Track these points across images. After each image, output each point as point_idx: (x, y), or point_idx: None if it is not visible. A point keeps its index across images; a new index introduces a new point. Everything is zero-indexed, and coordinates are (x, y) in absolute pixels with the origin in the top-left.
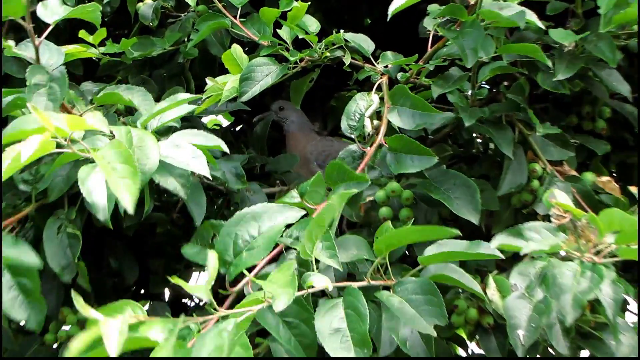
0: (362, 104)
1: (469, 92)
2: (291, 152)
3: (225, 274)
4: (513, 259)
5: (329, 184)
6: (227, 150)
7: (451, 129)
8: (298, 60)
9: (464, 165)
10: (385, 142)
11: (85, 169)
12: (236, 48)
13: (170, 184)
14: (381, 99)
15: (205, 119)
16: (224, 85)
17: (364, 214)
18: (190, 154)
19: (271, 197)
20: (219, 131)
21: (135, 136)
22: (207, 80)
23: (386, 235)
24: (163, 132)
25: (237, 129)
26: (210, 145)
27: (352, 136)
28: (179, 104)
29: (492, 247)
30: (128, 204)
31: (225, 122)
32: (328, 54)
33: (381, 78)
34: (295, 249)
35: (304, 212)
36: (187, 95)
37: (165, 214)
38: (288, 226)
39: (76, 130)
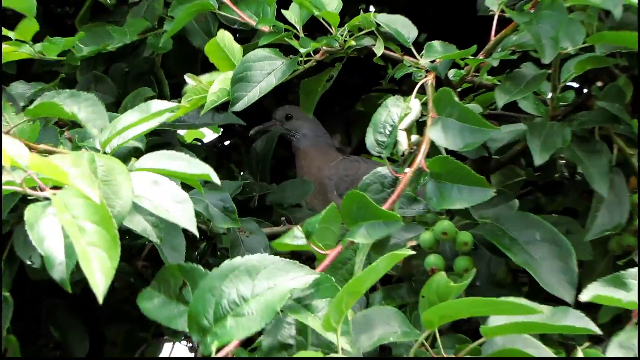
0: (396, 111)
1: (549, 96)
2: (302, 176)
3: (199, 344)
4: (611, 324)
5: (346, 221)
6: (217, 181)
7: (524, 145)
8: (311, 52)
9: (542, 196)
10: (427, 166)
11: (34, 209)
12: (225, 36)
13: (138, 224)
14: (424, 105)
15: (182, 130)
16: (210, 86)
17: (402, 263)
18: (171, 196)
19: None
20: (200, 147)
21: (101, 166)
22: (187, 78)
23: (440, 306)
24: (123, 156)
25: (227, 143)
26: (196, 174)
27: (381, 155)
28: (154, 117)
29: (585, 318)
30: (99, 287)
31: (209, 134)
32: (353, 43)
33: (426, 77)
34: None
35: (316, 276)
36: (165, 104)
37: (128, 263)
38: None
39: (35, 169)
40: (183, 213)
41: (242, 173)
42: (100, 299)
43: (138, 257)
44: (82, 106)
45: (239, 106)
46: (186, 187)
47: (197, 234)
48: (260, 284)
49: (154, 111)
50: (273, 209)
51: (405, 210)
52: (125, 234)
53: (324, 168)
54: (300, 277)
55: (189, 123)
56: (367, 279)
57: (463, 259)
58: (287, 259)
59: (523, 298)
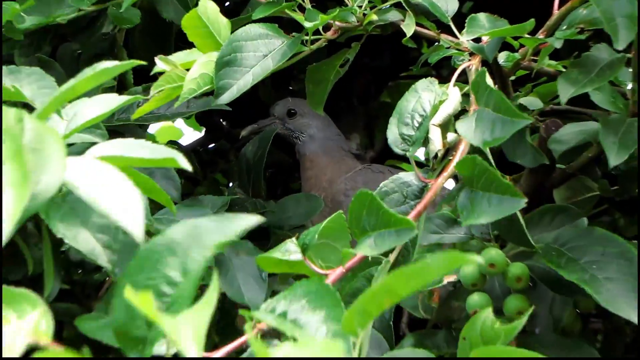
0: (428, 98)
1: (629, 87)
2: (309, 191)
3: None
4: None
5: (354, 232)
6: (187, 166)
7: (597, 150)
8: (321, 29)
9: (620, 217)
10: (455, 168)
11: None
12: (208, 6)
13: (86, 243)
14: (466, 95)
15: (153, 128)
16: (186, 71)
17: (438, 302)
18: (116, 188)
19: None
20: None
21: (29, 130)
22: (157, 61)
23: (484, 350)
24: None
25: (211, 147)
26: (157, 159)
27: (406, 154)
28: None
29: None
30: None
31: (188, 134)
32: (375, 18)
33: (470, 60)
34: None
35: (262, 219)
36: (120, 99)
37: (79, 304)
38: (273, 294)
39: None
40: (128, 210)
41: (230, 185)
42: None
43: (94, 295)
44: (25, 82)
45: (225, 98)
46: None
47: (142, 240)
48: (193, 256)
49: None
50: (270, 233)
51: (443, 235)
52: (78, 266)
53: (338, 180)
54: (238, 224)
55: (158, 114)
56: (397, 287)
57: (516, 298)
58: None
59: (595, 351)
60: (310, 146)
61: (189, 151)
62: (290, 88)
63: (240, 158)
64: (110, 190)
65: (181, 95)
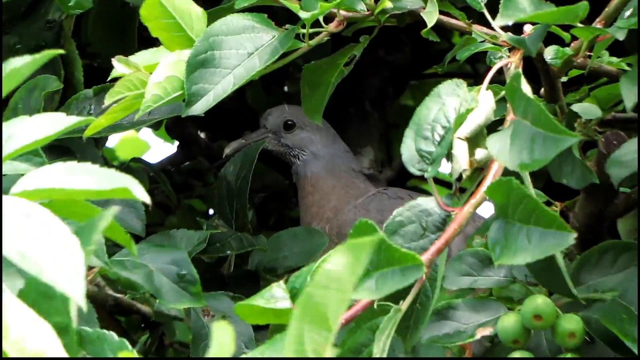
0: (453, 104)
1: None
2: (310, 223)
3: None
4: None
5: None
6: (146, 199)
7: None
8: (322, 20)
9: None
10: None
11: None
12: None
13: None
14: (501, 101)
15: (114, 139)
16: (149, 74)
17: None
18: (50, 240)
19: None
20: (140, 171)
21: None
22: (115, 63)
23: None
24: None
25: (186, 165)
26: (105, 190)
27: (424, 175)
28: (39, 144)
29: None
30: None
31: (159, 149)
32: (389, 5)
33: (509, 57)
34: None
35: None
36: (65, 121)
37: None
38: None
39: None
40: (64, 269)
41: (210, 216)
42: None
43: None
44: None
45: (199, 107)
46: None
47: (84, 306)
48: None
49: (48, 130)
50: (260, 277)
51: (476, 277)
52: None
53: (346, 209)
54: None
55: (114, 123)
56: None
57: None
58: None
59: None
60: (311, 166)
61: (157, 171)
62: (286, 90)
63: (220, 181)
64: (43, 245)
65: (143, 105)
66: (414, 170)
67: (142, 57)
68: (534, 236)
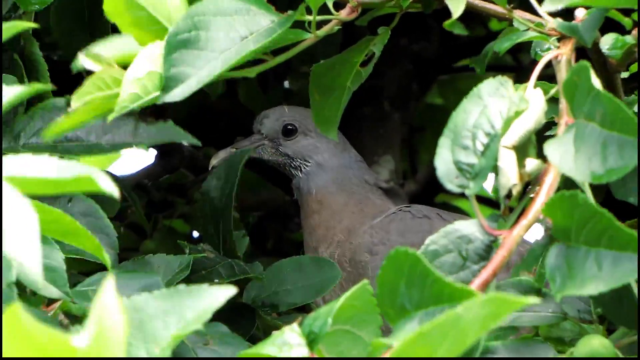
0: (498, 107)
1: None
2: (317, 246)
3: None
4: None
5: (386, 311)
6: (114, 192)
7: None
8: (331, 6)
9: None
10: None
11: None
12: None
13: None
14: (552, 100)
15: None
16: (125, 71)
17: None
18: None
19: None
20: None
21: None
22: (82, 58)
23: None
24: None
25: (164, 178)
26: (67, 180)
27: (466, 193)
28: None
29: None
30: None
31: (132, 160)
32: None
33: (558, 48)
34: None
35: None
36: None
37: None
38: None
39: None
40: (21, 237)
41: (197, 242)
42: None
43: None
44: None
45: (178, 93)
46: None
47: (40, 277)
48: None
49: None
50: (256, 315)
51: (520, 314)
52: None
53: (360, 230)
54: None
55: (87, 142)
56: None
57: None
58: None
59: None
60: (317, 179)
61: (128, 186)
62: (287, 86)
63: (203, 198)
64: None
65: (118, 104)
66: (452, 186)
67: (115, 48)
68: (605, 261)
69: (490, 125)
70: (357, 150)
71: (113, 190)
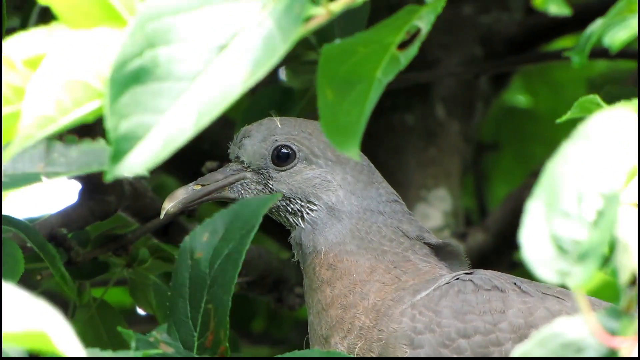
0: (616, 153)
1: None
2: (330, 333)
3: None
4: None
5: None
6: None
7: None
8: None
9: None
10: None
11: None
12: None
13: None
14: None
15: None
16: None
17: None
18: None
19: None
20: (9, 242)
21: None
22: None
23: None
24: None
25: (95, 224)
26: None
27: (569, 285)
28: None
29: None
30: None
31: (40, 199)
32: None
33: None
34: None
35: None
36: None
37: None
38: None
39: None
40: None
41: (143, 316)
42: None
43: None
44: None
45: (135, 162)
46: None
47: None
48: None
49: None
50: None
51: None
52: None
53: (396, 311)
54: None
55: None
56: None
57: None
58: None
59: None
60: (328, 232)
61: (40, 238)
62: (282, 78)
63: (180, 261)
64: None
65: (20, 133)
66: (548, 274)
67: (28, 41)
68: None
69: (606, 181)
70: (390, 183)
71: (76, 352)
